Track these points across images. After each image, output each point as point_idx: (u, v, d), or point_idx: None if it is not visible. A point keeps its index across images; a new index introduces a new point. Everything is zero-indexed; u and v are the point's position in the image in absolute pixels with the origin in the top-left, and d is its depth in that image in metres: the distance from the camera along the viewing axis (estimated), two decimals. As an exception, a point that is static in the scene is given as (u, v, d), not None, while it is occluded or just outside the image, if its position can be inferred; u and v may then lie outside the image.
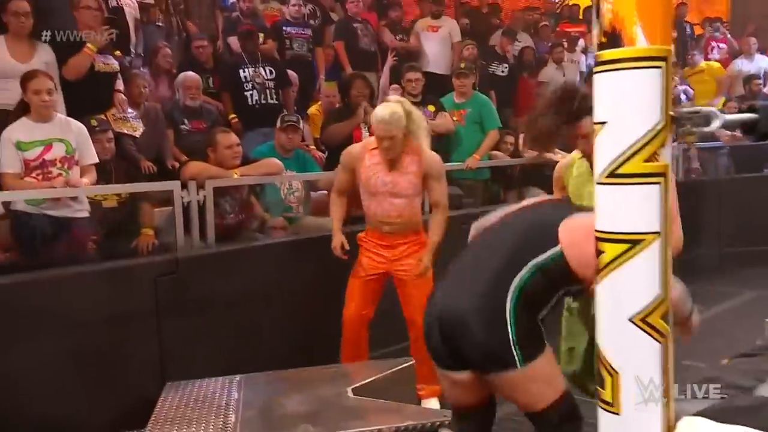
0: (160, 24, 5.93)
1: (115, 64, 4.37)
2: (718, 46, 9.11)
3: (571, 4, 10.63)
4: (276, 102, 5.47)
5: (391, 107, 3.36)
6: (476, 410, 2.38)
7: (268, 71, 5.48)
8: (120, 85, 4.45)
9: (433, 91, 5.77)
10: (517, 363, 2.10)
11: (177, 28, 6.18)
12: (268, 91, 5.44)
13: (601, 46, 1.04)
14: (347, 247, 3.53)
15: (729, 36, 9.44)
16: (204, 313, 3.42)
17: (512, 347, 2.09)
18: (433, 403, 3.49)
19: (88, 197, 3.55)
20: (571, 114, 2.51)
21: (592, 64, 6.92)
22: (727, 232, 6.94)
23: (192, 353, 3.35)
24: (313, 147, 5.39)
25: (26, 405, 2.91)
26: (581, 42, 8.41)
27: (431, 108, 5.39)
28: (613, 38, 1.03)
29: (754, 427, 1.00)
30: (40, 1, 4.07)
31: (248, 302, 3.58)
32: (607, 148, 1.05)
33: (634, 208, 1.03)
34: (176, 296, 3.37)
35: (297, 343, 3.68)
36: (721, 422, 1.04)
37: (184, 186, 3.61)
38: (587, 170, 2.73)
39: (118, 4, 5.15)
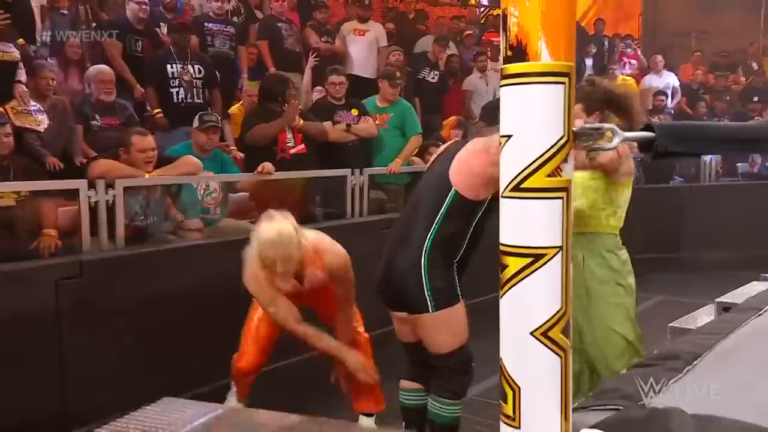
0: (65, 12, 5.65)
1: (15, 53, 4.14)
2: (630, 62, 9.49)
3: (495, 14, 10.86)
4: (201, 101, 5.34)
5: (276, 226, 2.83)
6: (418, 345, 2.76)
7: (197, 69, 5.35)
8: (22, 75, 4.21)
9: (357, 94, 5.76)
10: (429, 308, 2.52)
11: (85, 17, 5.90)
12: (195, 90, 5.31)
13: (507, 59, 1.04)
14: None
15: (640, 53, 9.86)
16: (110, 320, 3.27)
17: (425, 293, 2.51)
18: (366, 422, 3.36)
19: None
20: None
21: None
22: (637, 239, 7.22)
23: (95, 362, 3.19)
24: (233, 147, 5.27)
25: None
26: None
27: (354, 111, 5.38)
28: (518, 52, 1.02)
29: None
30: None
31: (159, 308, 3.44)
32: (512, 162, 1.04)
33: (537, 222, 1.03)
34: (80, 301, 3.20)
35: (209, 351, 3.55)
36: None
37: (91, 185, 3.46)
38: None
39: (17, -17, 4.86)
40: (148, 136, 4.00)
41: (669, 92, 8.51)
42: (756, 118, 8.15)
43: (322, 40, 6.90)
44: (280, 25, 6.55)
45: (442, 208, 2.50)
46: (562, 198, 1.03)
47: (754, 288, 3.55)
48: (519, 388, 1.06)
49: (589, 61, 9.26)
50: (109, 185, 3.52)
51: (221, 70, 5.81)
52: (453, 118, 6.18)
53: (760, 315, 1.55)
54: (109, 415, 2.97)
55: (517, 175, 1.03)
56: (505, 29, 1.02)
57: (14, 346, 2.98)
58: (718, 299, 3.50)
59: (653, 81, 8.79)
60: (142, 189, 3.83)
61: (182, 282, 3.59)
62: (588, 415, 1.11)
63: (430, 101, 7.12)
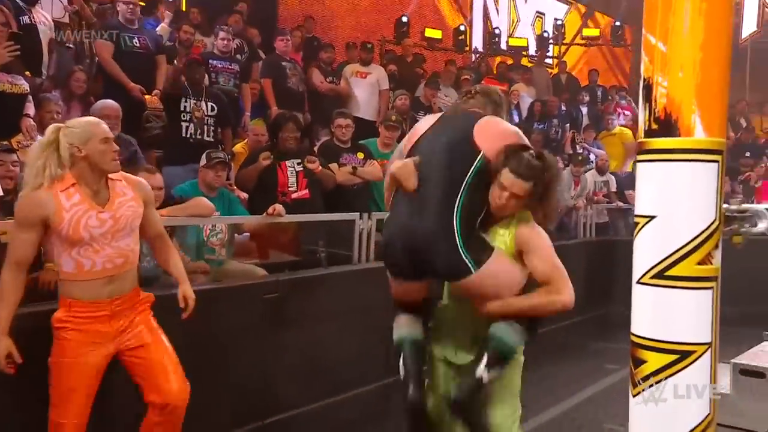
0: (70, 45, 5.56)
1: (24, 86, 4.02)
2: (624, 112, 9.58)
3: (497, 61, 11.01)
4: (212, 140, 5.24)
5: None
6: (418, 303, 2.63)
7: (210, 107, 5.26)
8: (30, 109, 4.08)
9: (359, 136, 5.69)
10: (472, 269, 2.31)
11: (90, 51, 5.80)
12: (206, 127, 5.18)
13: (651, 133, 0.93)
14: (17, 358, 2.52)
15: (633, 104, 9.98)
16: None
17: (462, 256, 2.31)
18: None
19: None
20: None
21: (512, 122, 7.03)
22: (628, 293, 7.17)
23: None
24: (236, 187, 5.14)
25: None
26: (500, 98, 8.62)
27: (360, 155, 5.31)
28: (666, 125, 0.92)
29: None
30: None
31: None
32: (654, 245, 0.93)
33: (685, 314, 0.92)
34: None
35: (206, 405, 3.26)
36: None
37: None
38: None
39: (31, 21, 4.76)
40: (156, 174, 3.86)
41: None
42: (748, 174, 8.23)
43: (327, 80, 6.85)
44: (284, 64, 6.50)
45: (471, 170, 2.36)
46: (712, 288, 0.92)
47: (766, 348, 3.49)
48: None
49: (584, 109, 9.33)
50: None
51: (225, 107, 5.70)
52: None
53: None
54: None
55: (662, 261, 0.91)
56: (649, 100, 0.92)
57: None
58: (733, 360, 3.40)
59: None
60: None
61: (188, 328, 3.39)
62: None
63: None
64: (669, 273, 0.91)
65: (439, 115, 2.71)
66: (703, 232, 0.90)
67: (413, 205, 2.42)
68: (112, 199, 2.63)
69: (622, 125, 9.08)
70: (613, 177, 7.76)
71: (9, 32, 3.96)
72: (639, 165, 0.96)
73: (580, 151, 8.05)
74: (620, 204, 7.54)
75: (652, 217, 0.93)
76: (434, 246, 2.34)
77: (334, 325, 3.91)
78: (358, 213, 4.64)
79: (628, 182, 7.70)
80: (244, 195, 4.98)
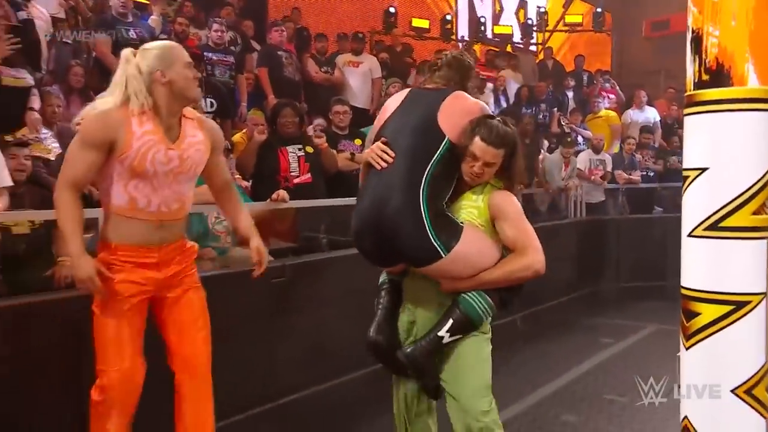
0: (68, 41, 5.48)
1: (28, 79, 3.95)
2: (609, 96, 9.59)
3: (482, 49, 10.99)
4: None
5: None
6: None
7: (209, 103, 5.19)
8: (36, 102, 4.01)
9: (354, 124, 5.65)
10: (442, 253, 2.22)
11: (86, 46, 5.72)
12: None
13: (701, 84, 0.90)
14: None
15: (617, 88, 9.99)
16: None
17: (431, 239, 2.22)
18: None
19: (-2, 223, 3.12)
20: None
21: (500, 107, 7.00)
22: (625, 268, 7.21)
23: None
24: (238, 176, 5.08)
25: None
26: (489, 84, 8.61)
27: (358, 142, 5.28)
28: (717, 76, 0.89)
29: None
30: None
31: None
32: (706, 198, 0.90)
33: (741, 265, 0.89)
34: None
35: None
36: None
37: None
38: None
39: (28, 16, 4.68)
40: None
41: (651, 127, 8.60)
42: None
43: (322, 70, 6.80)
44: (280, 53, 6.46)
45: (436, 155, 2.28)
46: (766, 238, 0.89)
47: None
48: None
49: (570, 93, 9.33)
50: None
51: (223, 99, 5.64)
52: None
53: None
54: None
55: (715, 213, 0.89)
56: (698, 51, 0.88)
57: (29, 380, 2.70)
58: None
59: (634, 115, 8.87)
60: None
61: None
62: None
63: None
64: (723, 224, 0.88)
65: (406, 92, 2.55)
66: (758, 181, 0.88)
67: (379, 192, 2.32)
68: (181, 137, 2.37)
69: (607, 108, 9.09)
70: (608, 156, 7.75)
71: (8, 25, 3.86)
72: (687, 118, 0.93)
73: (568, 131, 8.05)
74: (618, 182, 7.57)
75: (704, 170, 0.90)
76: (402, 231, 2.25)
77: (338, 308, 3.89)
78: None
79: (617, 163, 7.73)
80: (246, 184, 4.94)
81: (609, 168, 7.59)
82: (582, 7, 13.42)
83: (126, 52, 2.33)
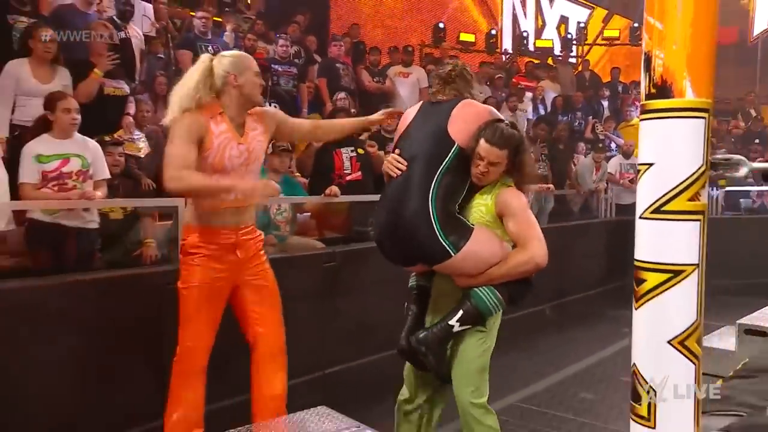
0: (161, 56, 5.82)
1: (125, 88, 4.23)
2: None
3: (524, 62, 10.94)
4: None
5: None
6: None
7: (273, 106, 5.42)
8: (132, 108, 4.30)
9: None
10: (451, 252, 2.20)
11: (174, 60, 6.06)
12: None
13: (650, 96, 1.04)
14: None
15: (650, 97, 9.80)
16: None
17: (441, 240, 2.20)
18: None
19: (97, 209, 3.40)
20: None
21: (538, 114, 7.00)
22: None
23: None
24: (297, 173, 5.31)
25: (30, 399, 2.66)
26: (528, 94, 8.61)
27: (406, 144, 5.39)
28: (662, 90, 1.02)
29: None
30: (58, 27, 3.96)
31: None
32: (652, 187, 1.04)
33: (678, 241, 1.02)
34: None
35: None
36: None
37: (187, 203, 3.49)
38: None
39: (126, 35, 5.01)
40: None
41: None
42: (759, 159, 8.05)
43: (374, 80, 6.96)
44: (338, 65, 6.64)
45: (445, 161, 2.25)
46: (700, 220, 1.02)
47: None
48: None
49: (605, 103, 9.23)
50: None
51: (285, 105, 5.86)
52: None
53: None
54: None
55: (659, 199, 1.02)
56: (648, 69, 1.02)
57: (122, 342, 2.95)
58: (739, 321, 3.41)
59: (665, 123, 8.72)
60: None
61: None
62: (713, 420, 1.08)
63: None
64: (665, 208, 1.01)
65: (419, 104, 2.55)
66: (692, 174, 1.00)
67: (395, 198, 2.31)
68: (246, 132, 2.49)
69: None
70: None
71: (110, 44, 4.16)
72: (641, 123, 1.06)
73: (602, 138, 7.99)
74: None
75: (651, 164, 1.03)
76: (417, 233, 2.24)
77: (380, 291, 4.01)
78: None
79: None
80: (304, 180, 5.15)
81: (639, 172, 7.52)
82: (620, 22, 13.18)
83: (204, 56, 2.49)
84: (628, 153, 7.60)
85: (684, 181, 1.01)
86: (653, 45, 1.03)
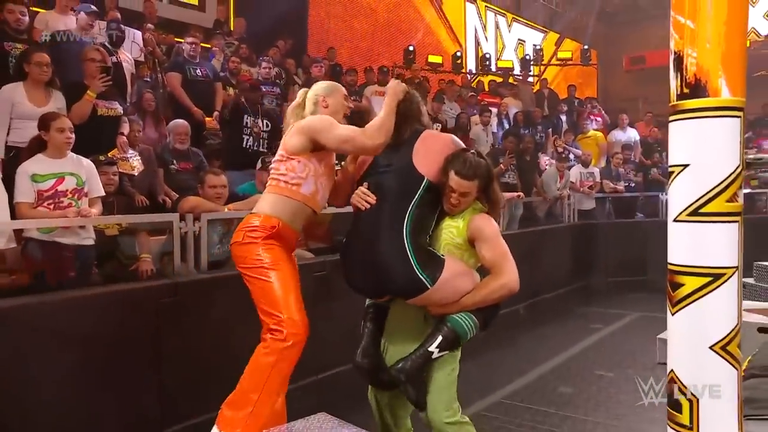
0: (148, 79, 5.63)
1: (119, 109, 4.04)
2: (596, 119, 9.53)
3: (486, 80, 10.99)
4: (266, 151, 5.19)
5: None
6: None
7: (265, 124, 5.28)
8: (125, 128, 4.12)
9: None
10: (428, 285, 2.10)
11: (162, 83, 5.87)
12: (261, 141, 5.20)
13: (682, 96, 0.94)
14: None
15: (603, 112, 9.93)
16: (199, 333, 3.09)
17: (417, 274, 2.10)
18: None
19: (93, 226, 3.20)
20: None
21: (503, 128, 6.97)
22: (612, 264, 7.15)
23: (189, 371, 2.99)
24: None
25: (30, 415, 2.50)
26: (494, 109, 8.62)
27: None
28: (696, 89, 0.92)
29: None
30: (54, 52, 3.77)
31: (237, 323, 3.26)
32: (688, 189, 0.93)
33: (717, 244, 0.92)
34: (177, 318, 3.01)
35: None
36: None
37: (182, 218, 3.32)
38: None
39: (117, 60, 4.82)
40: (221, 175, 3.89)
41: (632, 145, 8.54)
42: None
43: (352, 98, 6.86)
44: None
45: (416, 196, 2.14)
46: (737, 222, 0.92)
47: None
48: (697, 398, 0.93)
49: (563, 117, 9.29)
50: (196, 218, 3.38)
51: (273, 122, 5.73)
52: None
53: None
54: (199, 414, 2.83)
55: (696, 201, 0.92)
56: (680, 69, 0.92)
57: (120, 355, 2.78)
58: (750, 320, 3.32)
59: (618, 135, 8.81)
60: (221, 221, 3.68)
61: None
62: (755, 425, 0.98)
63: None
64: (702, 210, 0.91)
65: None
66: (730, 175, 0.90)
67: (367, 233, 2.20)
68: None
69: (594, 129, 9.04)
70: (597, 169, 7.73)
71: (103, 67, 3.99)
72: (672, 124, 0.95)
73: (561, 151, 8.02)
74: (606, 192, 7.55)
75: (686, 165, 0.93)
76: (391, 270, 2.12)
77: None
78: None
79: (605, 175, 7.70)
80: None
81: (597, 179, 7.55)
82: (571, 44, 13.41)
83: (299, 93, 2.50)
84: (586, 162, 7.64)
85: (722, 181, 0.91)
86: (685, 44, 0.93)
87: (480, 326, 2.22)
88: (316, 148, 2.26)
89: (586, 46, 12.49)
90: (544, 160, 7.87)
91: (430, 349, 2.15)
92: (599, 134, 8.88)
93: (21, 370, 2.49)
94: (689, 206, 0.92)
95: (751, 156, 1.07)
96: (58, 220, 2.93)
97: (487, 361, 2.34)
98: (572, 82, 11.19)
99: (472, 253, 2.24)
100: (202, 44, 5.99)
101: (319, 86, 2.49)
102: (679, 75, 0.93)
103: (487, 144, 7.36)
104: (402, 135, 2.27)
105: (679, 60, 0.93)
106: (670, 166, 0.95)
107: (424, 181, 2.17)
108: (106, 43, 4.83)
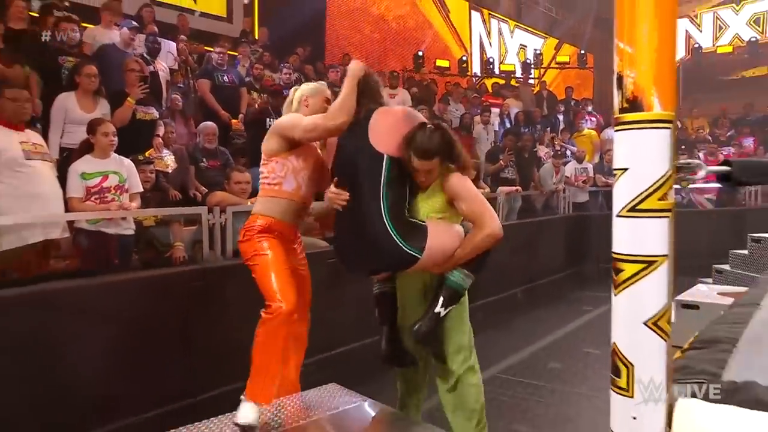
0: (181, 85, 5.77)
1: (155, 113, 4.19)
2: (591, 119, 9.50)
3: (489, 83, 10.97)
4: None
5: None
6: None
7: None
8: (161, 130, 4.27)
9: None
10: (418, 255, 2.07)
11: (193, 88, 6.00)
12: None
13: (623, 110, 1.02)
14: None
15: (597, 112, 9.89)
16: (225, 314, 3.21)
17: (405, 250, 2.05)
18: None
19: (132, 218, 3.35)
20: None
21: (504, 127, 6.98)
22: (603, 252, 7.14)
23: (216, 346, 3.11)
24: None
25: (81, 384, 2.63)
26: (495, 109, 8.64)
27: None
28: (634, 104, 1.00)
29: (747, 406, 0.97)
30: (100, 64, 3.95)
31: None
32: (627, 189, 1.01)
33: (650, 236, 1.00)
34: (205, 299, 3.13)
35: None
36: (718, 402, 1.00)
37: (210, 211, 3.45)
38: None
39: (154, 69, 4.97)
40: (245, 172, 4.01)
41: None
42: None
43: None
44: (336, 89, 6.58)
45: (383, 176, 2.05)
46: (668, 217, 1.00)
47: (700, 289, 3.47)
48: (633, 365, 1.02)
49: (561, 117, 9.26)
50: (222, 211, 3.50)
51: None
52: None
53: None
54: (226, 384, 2.95)
55: (633, 199, 1.00)
56: (620, 87, 1.00)
57: (156, 332, 2.91)
58: (676, 298, 3.41)
59: (611, 134, 8.67)
60: (245, 214, 3.79)
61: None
62: (681, 387, 1.06)
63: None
64: (638, 207, 0.98)
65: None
66: (661, 177, 0.98)
67: (351, 224, 2.15)
68: None
69: (589, 128, 9.01)
70: (590, 165, 7.72)
71: (141, 76, 4.13)
72: (616, 134, 1.03)
73: (558, 148, 8.03)
74: (598, 186, 7.55)
75: (626, 169, 1.01)
76: (382, 251, 2.08)
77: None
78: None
79: (599, 170, 7.68)
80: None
81: (591, 174, 7.55)
82: (569, 49, 13.30)
83: (293, 89, 2.51)
84: (580, 158, 7.63)
85: (654, 183, 0.99)
86: (624, 66, 1.01)
87: (473, 271, 2.20)
88: (291, 146, 2.25)
89: (582, 51, 12.39)
90: (543, 151, 7.90)
91: (436, 310, 2.17)
92: (593, 133, 8.85)
93: (71, 345, 2.60)
94: (628, 203, 1.00)
95: (681, 161, 1.12)
96: (103, 212, 3.07)
97: (485, 340, 2.40)
98: (570, 85, 11.15)
99: (453, 213, 2.20)
100: (229, 52, 6.11)
101: (307, 87, 2.47)
102: (620, 92, 1.01)
103: (488, 142, 7.40)
104: (358, 115, 2.17)
105: (620, 79, 1.01)
106: (614, 170, 1.04)
107: (385, 158, 2.07)
108: (145, 54, 4.98)
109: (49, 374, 2.50)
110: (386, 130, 2.12)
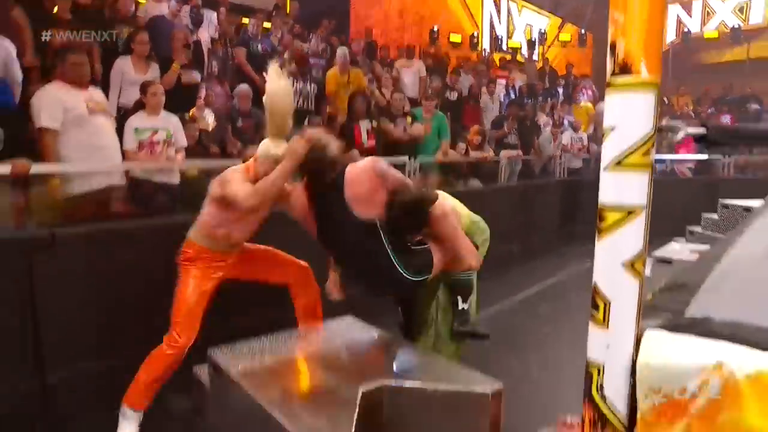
0: (221, 54, 5.69)
1: (197, 78, 4.18)
2: (587, 93, 9.22)
3: (497, 58, 10.67)
4: (312, 109, 5.30)
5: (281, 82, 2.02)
6: None
7: (313, 87, 5.36)
8: (202, 93, 4.26)
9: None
10: (428, 276, 1.99)
11: (231, 56, 5.92)
12: (308, 101, 5.28)
13: (614, 74, 0.99)
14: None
15: (594, 87, 9.59)
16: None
17: (415, 279, 1.95)
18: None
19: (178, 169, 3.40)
20: None
21: (508, 98, 6.82)
22: (593, 212, 7.06)
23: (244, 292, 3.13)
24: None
25: (138, 313, 2.61)
26: (500, 81, 8.43)
27: (409, 119, 5.32)
28: (624, 69, 0.98)
29: (703, 336, 0.99)
30: (151, 33, 3.96)
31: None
32: (616, 145, 1.00)
33: (633, 187, 0.99)
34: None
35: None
36: (679, 333, 1.02)
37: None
38: None
39: (197, 38, 4.92)
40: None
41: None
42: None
43: (384, 70, 6.80)
44: (358, 58, 6.48)
45: (382, 237, 1.89)
46: (648, 172, 0.99)
47: (674, 247, 3.43)
48: (610, 302, 1.04)
49: (561, 90, 9.02)
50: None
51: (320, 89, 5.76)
52: (476, 126, 6.06)
53: (733, 247, 1.43)
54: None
55: (620, 154, 0.99)
56: (613, 54, 0.98)
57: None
58: (653, 253, 3.36)
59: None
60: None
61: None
62: (647, 322, 1.08)
63: (453, 114, 7.02)
64: (623, 162, 0.98)
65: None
66: (645, 135, 0.97)
67: (366, 281, 2.04)
68: None
69: (586, 101, 8.78)
70: (585, 135, 7.57)
71: (186, 44, 4.11)
72: (607, 96, 1.01)
73: (557, 118, 7.85)
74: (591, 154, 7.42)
75: (614, 127, 1.00)
76: (396, 288, 2.01)
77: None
78: (407, 156, 4.70)
79: (592, 140, 7.53)
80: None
81: (585, 143, 7.41)
82: (571, 29, 12.79)
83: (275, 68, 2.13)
84: (576, 128, 7.47)
85: (639, 140, 0.97)
86: (617, 34, 0.98)
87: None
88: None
89: (583, 31, 11.91)
90: (543, 120, 7.75)
91: (459, 308, 2.21)
92: (589, 105, 8.61)
93: (127, 275, 2.62)
94: (615, 158, 0.99)
95: (663, 123, 1.09)
96: (153, 163, 3.12)
97: (483, 287, 2.44)
98: (571, 62, 10.77)
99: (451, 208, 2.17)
100: (264, 24, 5.99)
101: (261, 147, 2.09)
102: (612, 58, 0.98)
103: (494, 111, 7.25)
104: (327, 182, 1.93)
105: (613, 46, 0.98)
106: (605, 127, 1.02)
107: (378, 224, 1.88)
108: (189, 25, 4.90)
109: (114, 297, 2.58)
110: (366, 197, 1.88)
